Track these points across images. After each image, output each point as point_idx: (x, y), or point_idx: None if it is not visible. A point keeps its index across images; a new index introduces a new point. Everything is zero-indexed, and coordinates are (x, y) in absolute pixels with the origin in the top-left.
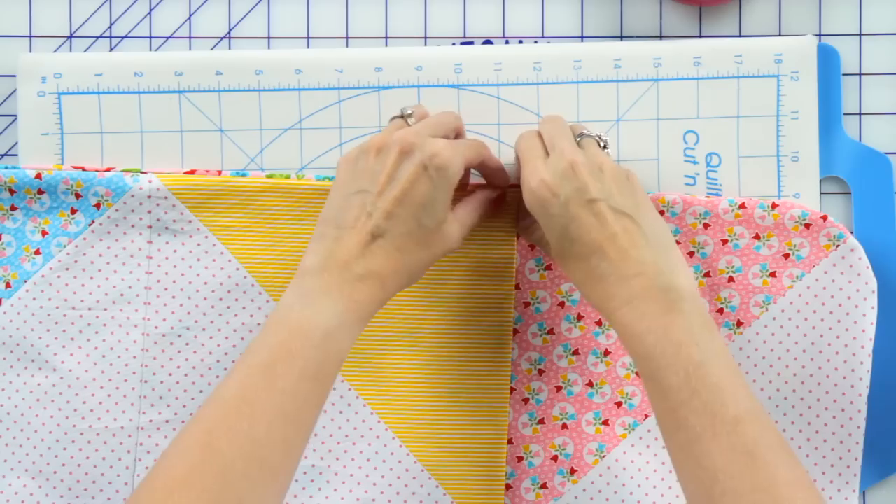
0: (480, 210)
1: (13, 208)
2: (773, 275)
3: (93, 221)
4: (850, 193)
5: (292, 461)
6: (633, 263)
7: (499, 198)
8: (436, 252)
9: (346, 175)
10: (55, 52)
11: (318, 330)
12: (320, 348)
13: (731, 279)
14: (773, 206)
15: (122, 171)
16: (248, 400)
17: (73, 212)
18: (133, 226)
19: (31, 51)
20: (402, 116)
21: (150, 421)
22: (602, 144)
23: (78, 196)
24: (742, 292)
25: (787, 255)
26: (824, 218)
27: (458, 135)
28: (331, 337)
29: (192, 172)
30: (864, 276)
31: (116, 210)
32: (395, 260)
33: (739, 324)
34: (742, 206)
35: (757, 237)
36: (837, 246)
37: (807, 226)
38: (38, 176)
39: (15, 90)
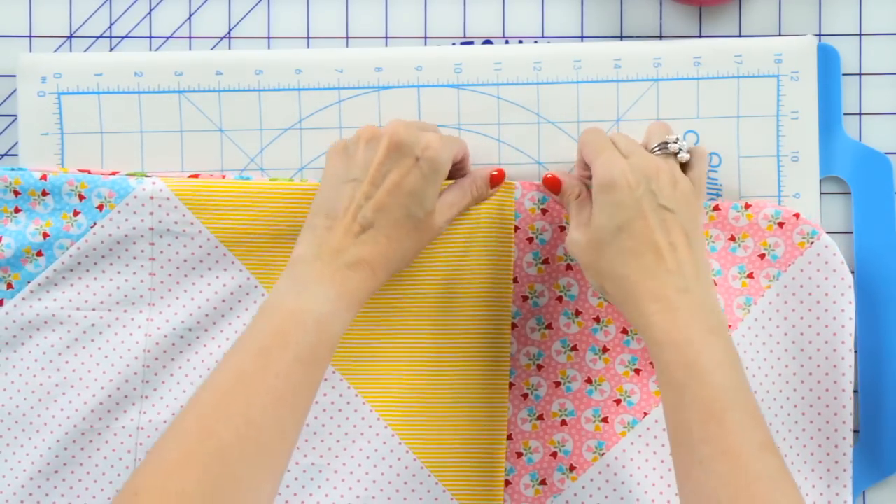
0: (468, 197)
1: (17, 210)
2: (750, 276)
3: (95, 223)
4: (850, 193)
5: (287, 445)
6: (684, 278)
7: (492, 178)
8: (424, 239)
9: (337, 164)
10: (55, 52)
11: (311, 316)
12: (313, 333)
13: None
14: (747, 206)
15: (127, 174)
16: (243, 383)
17: (76, 213)
18: (135, 228)
19: (31, 51)
20: None
21: (150, 421)
22: (678, 153)
23: (81, 198)
24: (724, 295)
25: (762, 256)
26: (797, 216)
27: None
28: (323, 323)
29: (195, 177)
30: (839, 271)
31: (119, 212)
32: (385, 248)
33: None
34: (716, 207)
35: (732, 238)
36: (812, 243)
37: (780, 224)
38: (44, 177)
39: (15, 90)
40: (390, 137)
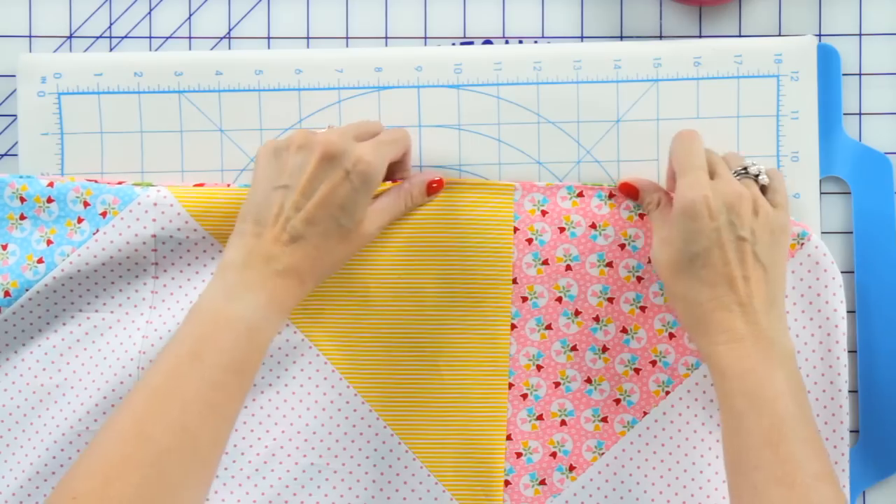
0: (401, 206)
1: (22, 217)
2: None
3: (97, 230)
4: (850, 193)
5: (218, 452)
6: (754, 311)
7: (429, 186)
8: (354, 247)
9: (266, 169)
10: (55, 52)
11: (243, 323)
12: (244, 340)
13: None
14: None
15: (133, 183)
16: (178, 388)
17: (80, 221)
18: (137, 234)
19: (31, 51)
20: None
21: None
22: (760, 185)
23: (86, 205)
24: None
25: None
26: None
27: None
28: (254, 330)
29: (200, 185)
30: (830, 271)
31: (122, 219)
32: (314, 258)
33: None
34: None
35: None
36: (802, 244)
37: None
38: (51, 184)
39: (15, 90)
40: (323, 148)
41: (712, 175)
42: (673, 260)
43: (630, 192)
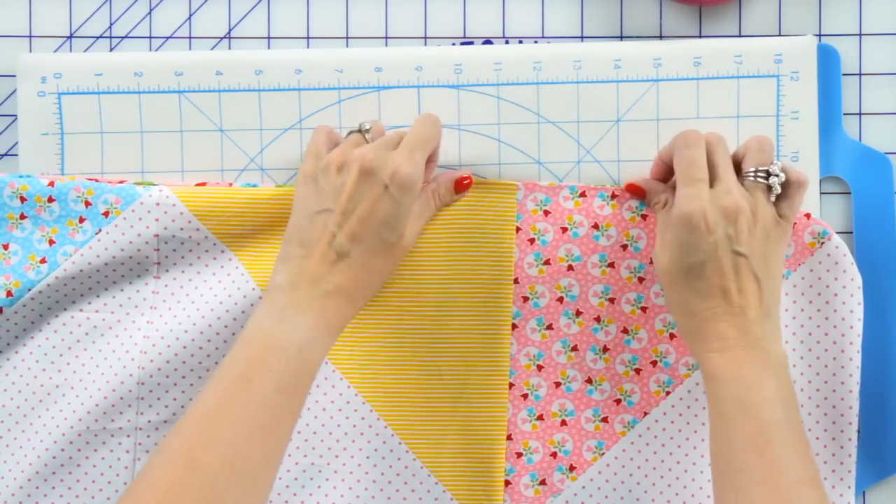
0: (431, 208)
1: (22, 217)
2: None
3: (100, 230)
4: (850, 193)
5: (271, 471)
6: (747, 321)
7: (456, 184)
8: (397, 260)
9: (307, 193)
10: (55, 52)
11: (292, 345)
12: (294, 362)
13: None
14: None
15: (135, 182)
16: (228, 412)
17: (81, 220)
18: (139, 234)
19: (31, 51)
20: (359, 131)
21: (149, 422)
22: (771, 186)
23: (87, 204)
24: None
25: None
26: (808, 216)
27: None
28: (303, 351)
29: (202, 185)
30: (849, 272)
31: (124, 218)
32: (361, 276)
33: None
34: None
35: None
36: (822, 243)
37: None
38: (51, 184)
39: (15, 90)
40: (360, 164)
41: (713, 180)
42: (671, 268)
43: (637, 192)
